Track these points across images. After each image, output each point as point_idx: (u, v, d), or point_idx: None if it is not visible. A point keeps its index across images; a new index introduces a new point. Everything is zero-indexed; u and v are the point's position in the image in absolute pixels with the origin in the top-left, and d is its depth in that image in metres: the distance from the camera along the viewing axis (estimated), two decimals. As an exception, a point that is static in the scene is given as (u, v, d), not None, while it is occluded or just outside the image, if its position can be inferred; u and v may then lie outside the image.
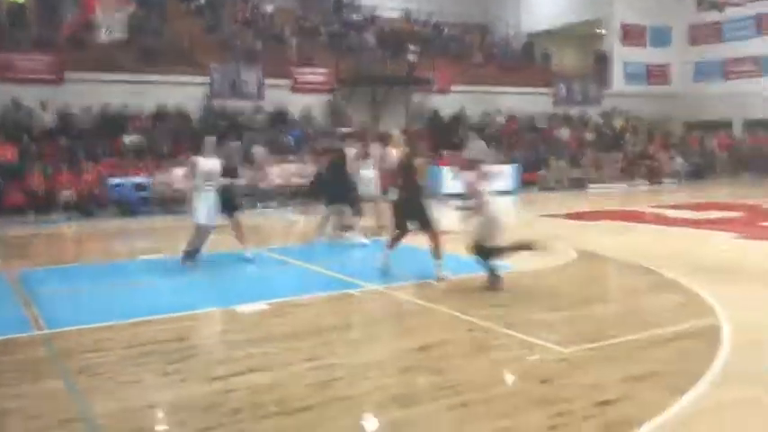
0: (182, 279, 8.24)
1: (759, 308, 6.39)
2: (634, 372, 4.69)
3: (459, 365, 4.89)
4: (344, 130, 10.63)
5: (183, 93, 19.67)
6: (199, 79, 20.25)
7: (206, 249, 8.83)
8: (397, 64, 22.76)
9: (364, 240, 10.45)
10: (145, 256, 9.79)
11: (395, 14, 27.57)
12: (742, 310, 6.25)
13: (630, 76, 28.68)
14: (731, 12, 24.60)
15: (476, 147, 8.83)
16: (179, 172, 15.90)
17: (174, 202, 14.93)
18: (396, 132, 11.44)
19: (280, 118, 20.74)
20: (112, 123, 18.14)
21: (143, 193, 15.91)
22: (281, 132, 19.87)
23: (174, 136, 18.34)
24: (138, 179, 16.06)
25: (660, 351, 5.16)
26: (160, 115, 19.00)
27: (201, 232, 8.60)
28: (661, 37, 29.24)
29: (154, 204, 15.85)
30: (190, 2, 23.77)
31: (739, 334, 5.52)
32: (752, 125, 27.11)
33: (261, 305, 6.67)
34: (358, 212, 11.16)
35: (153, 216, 15.13)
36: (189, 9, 23.49)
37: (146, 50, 19.89)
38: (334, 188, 10.65)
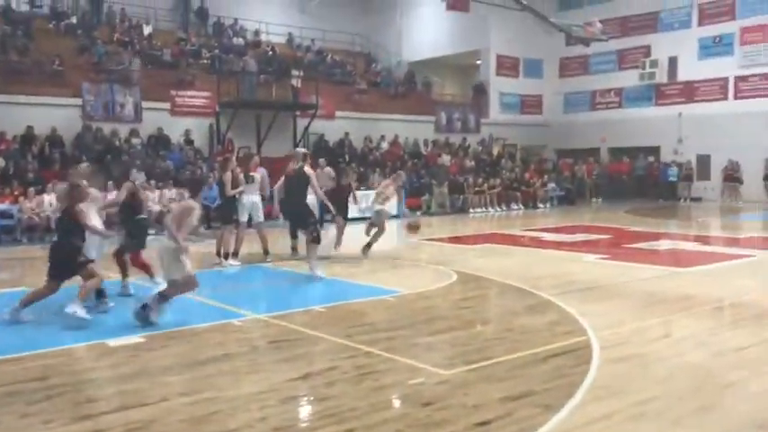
0: (48, 312, 7.69)
1: (623, 324, 6.77)
2: (512, 391, 4.82)
3: (342, 392, 4.85)
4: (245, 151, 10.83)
5: (53, 115, 18.64)
6: (70, 101, 19.30)
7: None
8: (282, 88, 22.68)
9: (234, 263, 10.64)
10: (4, 289, 9.08)
11: (277, 39, 27.57)
12: (609, 328, 6.61)
13: (506, 106, 30.10)
14: (596, 47, 26.37)
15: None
16: (48, 198, 15.07)
17: (45, 231, 14.12)
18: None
19: (159, 142, 20.08)
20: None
21: (8, 221, 14.88)
22: (159, 157, 19.22)
23: (44, 160, 17.32)
24: (2, 206, 15.01)
25: (536, 370, 5.35)
26: (27, 138, 17.88)
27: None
28: (534, 69, 30.92)
29: (20, 233, 14.87)
30: (59, 21, 22.66)
31: (607, 350, 5.83)
32: (615, 152, 29.13)
33: (135, 338, 6.35)
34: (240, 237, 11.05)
35: (18, 246, 14.17)
36: (58, 28, 22.38)
37: (11, 70, 18.71)
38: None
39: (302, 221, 9.98)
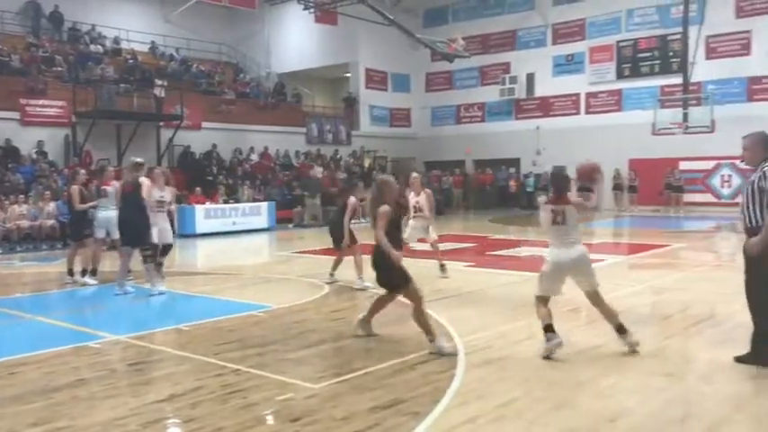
0: None
1: (488, 329, 7.03)
2: (381, 400, 4.87)
3: (208, 412, 4.69)
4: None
5: None
6: None
7: None
8: (144, 98, 21.80)
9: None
10: None
11: (139, 47, 26.47)
12: (474, 333, 6.84)
13: (376, 119, 30.63)
14: (460, 63, 27.42)
15: None
16: None
17: None
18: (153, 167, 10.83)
19: (7, 153, 18.68)
20: None
21: None
22: (8, 170, 17.88)
23: None
24: None
25: (404, 377, 5.43)
26: None
27: None
28: (402, 83, 31.69)
29: None
30: None
31: (472, 355, 6.02)
32: (480, 164, 30.38)
33: (-22, 367, 5.83)
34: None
35: None
36: None
37: None
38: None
39: (137, 237, 9.33)
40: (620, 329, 6.05)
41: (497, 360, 5.91)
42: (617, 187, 26.03)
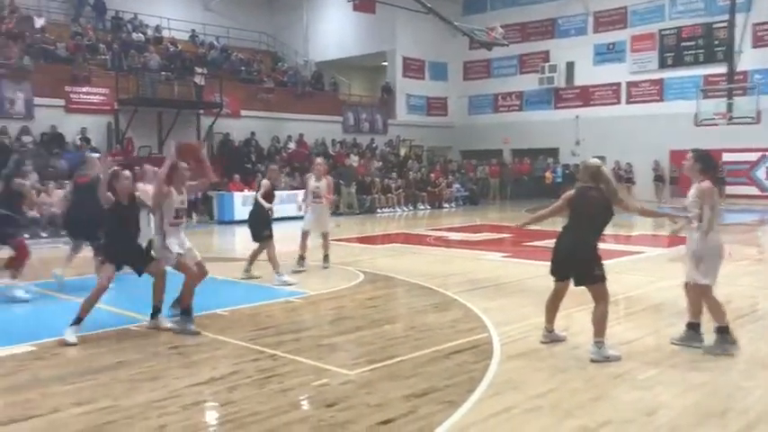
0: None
1: (524, 320, 6.99)
2: (415, 389, 4.89)
3: (245, 396, 4.77)
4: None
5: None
6: (-47, 96, 18.10)
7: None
8: (185, 86, 22.09)
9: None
10: None
11: (180, 36, 26.81)
12: (510, 324, 6.82)
13: (412, 107, 30.54)
14: (498, 51, 27.15)
15: None
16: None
17: None
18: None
19: (53, 140, 19.11)
20: None
21: None
22: (53, 155, 18.30)
23: None
24: None
25: (439, 366, 5.45)
26: None
27: None
28: (439, 71, 31.51)
29: None
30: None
31: (507, 346, 6.01)
32: (517, 153, 30.11)
33: (25, 347, 6.02)
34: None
35: None
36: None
37: None
38: None
39: (90, 233, 8.75)
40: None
41: (533, 352, 5.88)
42: (658, 179, 25.57)
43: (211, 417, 4.58)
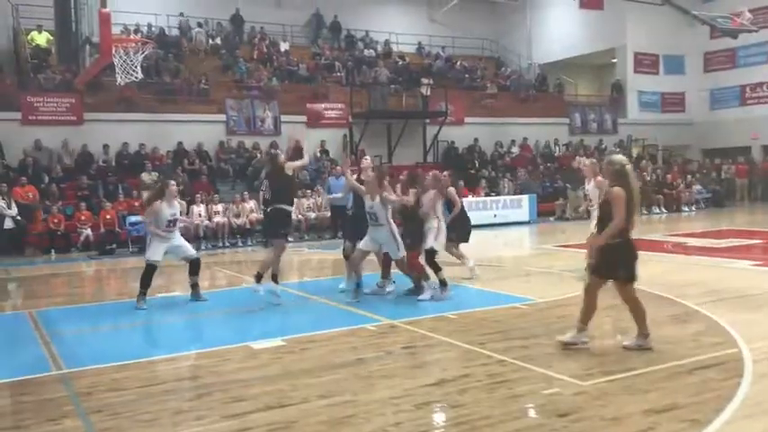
0: (197, 316, 8.27)
1: (782, 337, 6.27)
2: (655, 404, 4.60)
3: (475, 400, 4.83)
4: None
5: (199, 130, 20.00)
6: (215, 117, 20.60)
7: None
8: (412, 97, 22.98)
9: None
10: (162, 294, 9.83)
11: (407, 49, 27.94)
12: (763, 339, 6.14)
13: (645, 105, 28.74)
14: (745, 39, 24.57)
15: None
16: (198, 209, 16.15)
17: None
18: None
19: (296, 153, 20.88)
20: (131, 162, 18.45)
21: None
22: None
23: (192, 173, 18.57)
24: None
25: (681, 382, 5.07)
26: (179, 153, 19.27)
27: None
28: (675, 65, 29.30)
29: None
30: (207, 41, 24.25)
31: (760, 364, 5.42)
32: (770, 150, 26.98)
33: (277, 341, 6.67)
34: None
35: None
36: (205, 48, 23.94)
37: (164, 90, 20.26)
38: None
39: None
40: None
41: (793, 372, 5.24)
42: None
43: (443, 418, 4.69)
